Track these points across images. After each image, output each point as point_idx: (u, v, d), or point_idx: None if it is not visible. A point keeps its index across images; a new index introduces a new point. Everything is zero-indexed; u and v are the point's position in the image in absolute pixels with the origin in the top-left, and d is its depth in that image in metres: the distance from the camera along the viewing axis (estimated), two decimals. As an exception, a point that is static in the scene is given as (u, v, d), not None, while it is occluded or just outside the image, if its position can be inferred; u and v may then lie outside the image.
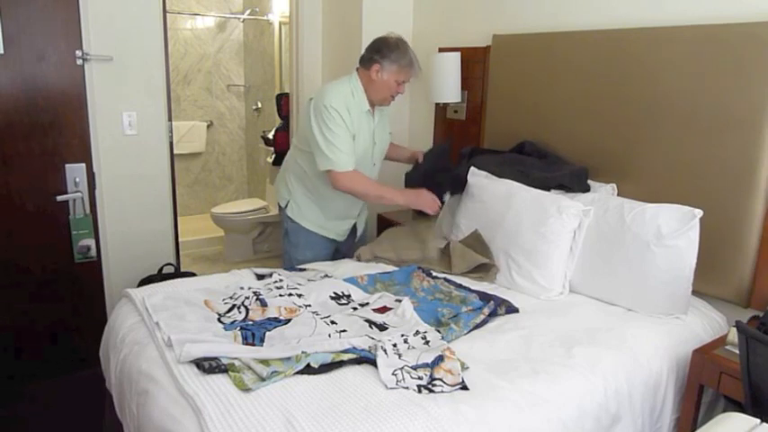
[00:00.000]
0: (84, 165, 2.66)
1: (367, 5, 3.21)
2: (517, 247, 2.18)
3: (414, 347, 1.65)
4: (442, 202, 2.49)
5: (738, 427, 1.00)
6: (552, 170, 2.37)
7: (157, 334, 1.67)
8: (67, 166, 2.63)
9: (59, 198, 2.62)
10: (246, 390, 1.41)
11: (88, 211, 2.71)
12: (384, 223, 3.14)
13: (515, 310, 1.96)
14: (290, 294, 1.96)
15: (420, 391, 1.45)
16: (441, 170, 2.56)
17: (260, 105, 5.25)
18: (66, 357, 2.77)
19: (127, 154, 2.86)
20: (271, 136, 4.55)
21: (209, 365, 1.49)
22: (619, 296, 2.02)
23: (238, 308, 1.86)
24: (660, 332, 1.85)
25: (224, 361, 1.50)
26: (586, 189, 2.29)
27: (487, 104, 2.88)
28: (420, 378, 1.49)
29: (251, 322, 1.76)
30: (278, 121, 4.43)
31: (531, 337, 1.77)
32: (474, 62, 2.94)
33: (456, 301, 1.99)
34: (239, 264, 4.15)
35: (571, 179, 2.28)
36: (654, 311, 1.94)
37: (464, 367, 1.56)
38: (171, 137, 3.01)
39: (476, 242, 2.34)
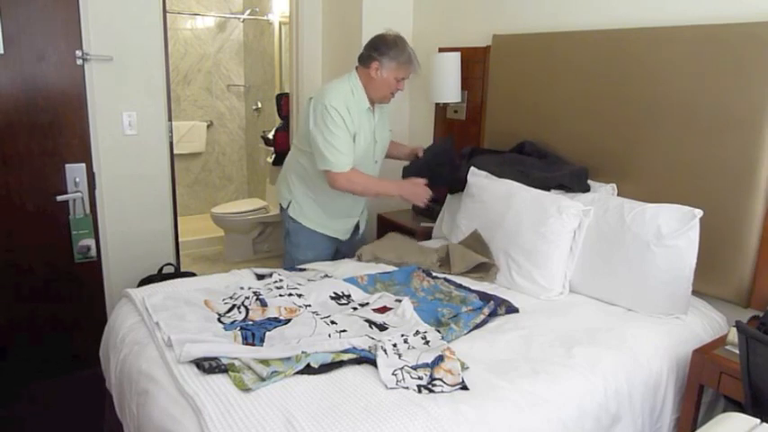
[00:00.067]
0: (84, 165, 2.66)
1: (367, 5, 3.21)
2: (517, 247, 2.18)
3: (414, 347, 1.65)
4: (443, 197, 2.48)
5: (738, 427, 1.00)
6: (552, 170, 2.37)
7: (157, 334, 1.67)
8: (67, 166, 2.63)
9: (59, 198, 2.62)
10: (246, 390, 1.41)
11: (88, 211, 2.71)
12: (384, 223, 3.14)
13: (515, 310, 1.96)
14: (290, 294, 1.96)
15: (420, 391, 1.45)
16: (442, 164, 2.55)
17: (260, 105, 5.25)
18: (66, 357, 2.77)
19: (127, 154, 2.86)
20: (271, 136, 4.55)
21: (209, 365, 1.49)
22: (619, 296, 2.02)
23: (238, 308, 1.86)
24: (660, 332, 1.85)
25: (224, 361, 1.50)
26: (586, 189, 2.29)
27: (487, 104, 2.88)
28: (420, 378, 1.49)
29: (251, 322, 1.76)
30: (278, 121, 4.43)
31: (531, 337, 1.77)
32: (474, 62, 2.94)
33: (456, 301, 1.99)
34: (239, 264, 4.15)
35: (571, 179, 2.28)
36: (654, 311, 1.94)
37: (464, 367, 1.56)
38: (171, 137, 3.01)
39: (475, 242, 2.34)
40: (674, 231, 1.88)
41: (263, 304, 1.87)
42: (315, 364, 1.51)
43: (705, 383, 1.69)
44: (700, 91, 2.01)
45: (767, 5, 1.88)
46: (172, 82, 3.70)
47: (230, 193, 5.69)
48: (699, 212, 1.86)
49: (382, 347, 1.59)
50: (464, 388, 1.47)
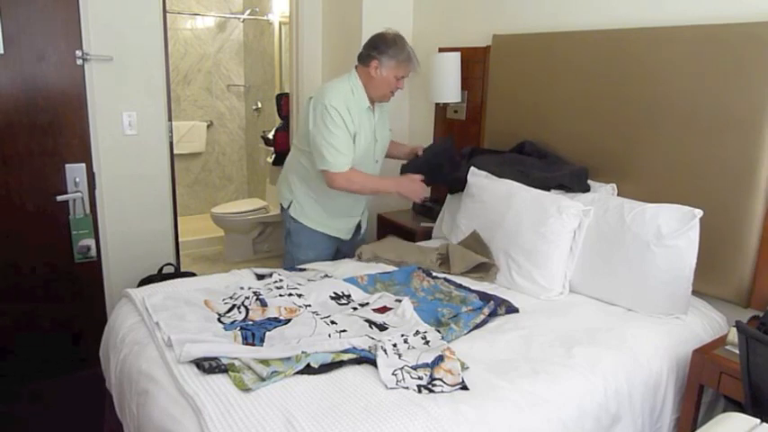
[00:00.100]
0: (84, 165, 2.66)
1: (367, 5, 3.21)
2: (517, 247, 2.18)
3: (414, 347, 1.65)
4: (443, 197, 2.47)
5: (738, 427, 1.00)
6: (552, 170, 2.37)
7: (157, 334, 1.67)
8: (67, 166, 2.63)
9: (59, 198, 2.62)
10: (246, 390, 1.41)
11: (88, 211, 2.71)
12: (384, 223, 3.14)
13: (515, 310, 1.96)
14: (290, 294, 1.96)
15: (420, 391, 1.45)
16: (441, 164, 2.55)
17: (260, 105, 5.25)
18: (66, 357, 2.77)
19: (127, 154, 2.86)
20: (271, 136, 4.55)
21: (209, 365, 1.49)
22: (619, 296, 2.02)
23: (238, 308, 1.86)
24: (660, 332, 1.85)
25: (224, 361, 1.50)
26: (586, 189, 2.29)
27: (487, 104, 2.88)
28: (420, 378, 1.49)
29: (251, 322, 1.76)
30: (278, 121, 4.43)
31: (531, 337, 1.77)
32: (474, 62, 2.94)
33: (456, 301, 1.99)
34: (239, 264, 4.15)
35: (571, 179, 2.28)
36: (654, 311, 1.94)
37: (464, 367, 1.56)
38: (171, 137, 3.01)
39: (475, 242, 2.34)
40: (674, 231, 1.88)
41: (263, 304, 1.87)
42: (315, 364, 1.51)
43: (705, 383, 1.69)
44: (700, 91, 2.01)
45: (767, 5, 1.88)
46: (172, 82, 3.70)
47: (230, 193, 5.69)
48: (699, 212, 1.86)
49: (382, 347, 1.59)
50: (464, 388, 1.47)
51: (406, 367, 1.52)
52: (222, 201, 5.36)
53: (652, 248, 1.91)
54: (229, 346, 1.58)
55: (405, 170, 2.59)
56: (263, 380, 1.44)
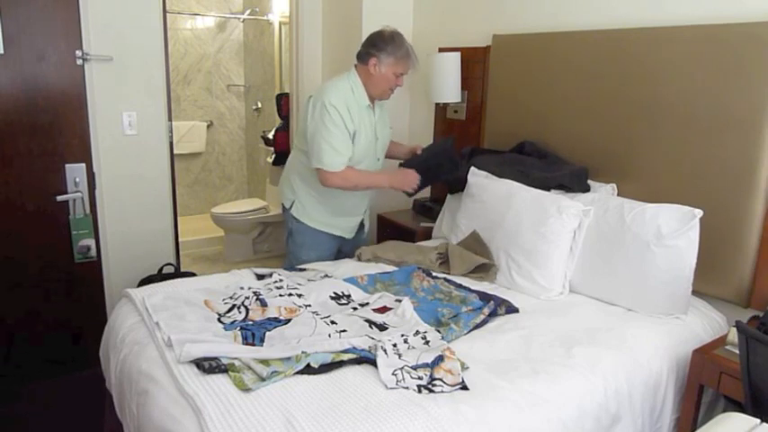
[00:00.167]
0: (84, 165, 2.66)
1: (367, 5, 3.21)
2: (517, 247, 2.18)
3: (414, 347, 1.65)
4: (443, 197, 2.46)
5: (738, 427, 1.00)
6: (552, 170, 2.37)
7: (157, 334, 1.67)
8: (67, 166, 2.63)
9: (59, 198, 2.62)
10: (246, 390, 1.41)
11: (88, 211, 2.70)
12: (384, 223, 3.14)
13: (515, 310, 1.96)
14: (290, 294, 1.96)
15: (420, 391, 1.45)
16: (441, 163, 2.55)
17: (260, 105, 5.25)
18: (67, 357, 2.77)
19: (127, 154, 2.86)
20: (271, 136, 4.55)
21: (209, 365, 1.49)
22: (619, 296, 2.02)
23: (238, 308, 1.86)
24: (660, 332, 1.85)
25: (224, 361, 1.50)
26: (586, 189, 2.29)
27: (487, 104, 2.88)
28: (420, 378, 1.49)
29: (251, 322, 1.76)
30: (278, 121, 4.43)
31: (531, 337, 1.77)
32: (474, 62, 2.94)
33: (456, 301, 1.99)
34: (239, 264, 4.15)
35: (571, 179, 2.28)
36: (654, 311, 1.94)
37: (464, 367, 1.56)
38: (171, 137, 3.01)
39: (474, 242, 2.35)
40: (674, 231, 1.88)
41: (263, 304, 1.87)
42: (315, 364, 1.50)
43: (705, 383, 1.69)
44: (700, 91, 2.01)
45: (767, 5, 1.88)
46: (172, 82, 3.70)
47: (230, 193, 5.69)
48: (699, 212, 1.86)
49: (382, 347, 1.59)
50: (464, 388, 1.47)
51: (406, 367, 1.52)
52: (222, 201, 5.36)
53: (652, 248, 1.91)
54: (229, 346, 1.58)
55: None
56: (263, 380, 1.44)
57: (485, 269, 2.26)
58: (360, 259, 2.41)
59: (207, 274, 2.35)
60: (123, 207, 2.90)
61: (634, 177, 2.24)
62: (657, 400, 1.75)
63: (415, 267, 2.26)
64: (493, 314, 1.90)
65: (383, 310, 1.90)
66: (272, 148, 4.57)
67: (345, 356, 1.55)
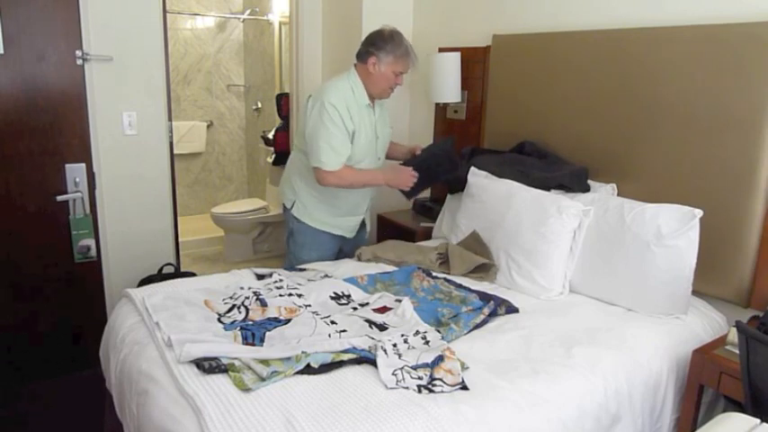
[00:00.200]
0: (84, 165, 2.66)
1: (367, 5, 3.21)
2: (517, 247, 2.18)
3: (414, 347, 1.65)
4: (443, 197, 2.46)
5: (738, 427, 1.00)
6: (552, 170, 2.37)
7: (157, 334, 1.67)
8: (67, 166, 2.63)
9: (59, 198, 2.62)
10: (246, 390, 1.41)
11: (88, 211, 2.71)
12: (384, 223, 3.14)
13: (515, 310, 1.96)
14: (290, 294, 1.96)
15: (420, 391, 1.45)
16: (440, 164, 2.54)
17: (260, 105, 5.25)
18: (66, 357, 2.77)
19: (127, 154, 2.86)
20: (271, 136, 4.55)
21: (209, 365, 1.49)
22: (619, 296, 2.02)
23: (238, 308, 1.86)
24: (660, 332, 1.85)
25: (224, 361, 1.50)
26: (586, 189, 2.29)
27: (487, 104, 2.88)
28: (420, 378, 1.49)
29: (251, 322, 1.76)
30: (278, 121, 4.43)
31: (531, 337, 1.77)
32: (474, 62, 2.94)
33: (456, 301, 1.99)
34: (239, 264, 4.15)
35: (571, 179, 2.28)
36: (654, 311, 1.94)
37: (464, 367, 1.56)
38: (171, 137, 3.01)
39: (474, 242, 2.35)
40: (674, 231, 1.88)
41: (263, 304, 1.87)
42: (315, 364, 1.50)
43: (705, 383, 1.69)
44: (700, 91, 2.01)
45: (767, 5, 1.88)
46: (172, 82, 3.70)
47: (230, 193, 5.70)
48: (699, 212, 1.86)
49: (382, 347, 1.59)
50: (464, 388, 1.47)
51: (406, 367, 1.52)
52: (222, 201, 5.36)
53: (652, 248, 1.91)
54: (229, 346, 1.58)
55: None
56: (263, 380, 1.44)
57: (485, 269, 2.26)
58: (360, 259, 2.41)
59: (207, 274, 2.35)
60: (123, 207, 2.90)
61: (634, 177, 2.24)
62: (657, 400, 1.75)
63: (415, 267, 2.26)
64: (493, 314, 1.90)
65: (383, 310, 1.90)
66: (272, 148, 4.57)
67: (345, 356, 1.55)
